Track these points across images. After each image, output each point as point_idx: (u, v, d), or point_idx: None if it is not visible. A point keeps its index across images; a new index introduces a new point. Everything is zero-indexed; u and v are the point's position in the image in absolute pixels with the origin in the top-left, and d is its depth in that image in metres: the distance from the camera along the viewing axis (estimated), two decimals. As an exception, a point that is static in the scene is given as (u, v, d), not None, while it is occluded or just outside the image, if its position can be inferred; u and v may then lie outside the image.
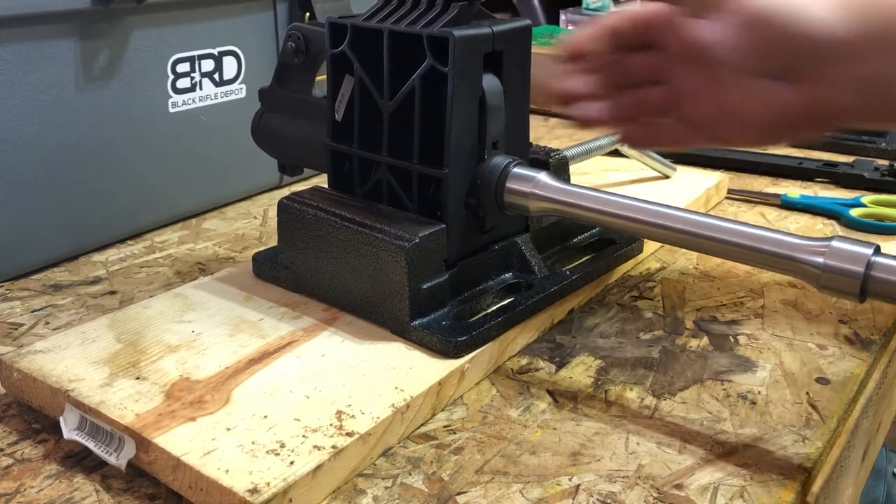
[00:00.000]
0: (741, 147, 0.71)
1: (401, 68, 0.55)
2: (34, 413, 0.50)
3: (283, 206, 0.59)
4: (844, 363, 0.56)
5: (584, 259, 0.65)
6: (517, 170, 0.56)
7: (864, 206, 0.81)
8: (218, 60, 0.79)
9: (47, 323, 0.61)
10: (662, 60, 0.57)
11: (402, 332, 0.54)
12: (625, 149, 0.81)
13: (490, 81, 0.55)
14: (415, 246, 0.52)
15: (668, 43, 0.56)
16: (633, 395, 0.52)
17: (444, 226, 0.55)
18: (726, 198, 0.87)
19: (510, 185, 0.55)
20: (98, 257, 0.73)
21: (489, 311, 0.57)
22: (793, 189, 0.89)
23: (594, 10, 1.50)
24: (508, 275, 0.60)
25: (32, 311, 0.63)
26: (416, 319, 0.53)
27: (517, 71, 0.57)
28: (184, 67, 0.76)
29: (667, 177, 0.84)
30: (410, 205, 0.57)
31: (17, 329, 0.60)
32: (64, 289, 0.67)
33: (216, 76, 0.79)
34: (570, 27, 1.48)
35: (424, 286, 0.54)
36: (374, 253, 0.54)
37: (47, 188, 0.68)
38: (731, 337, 0.59)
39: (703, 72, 0.55)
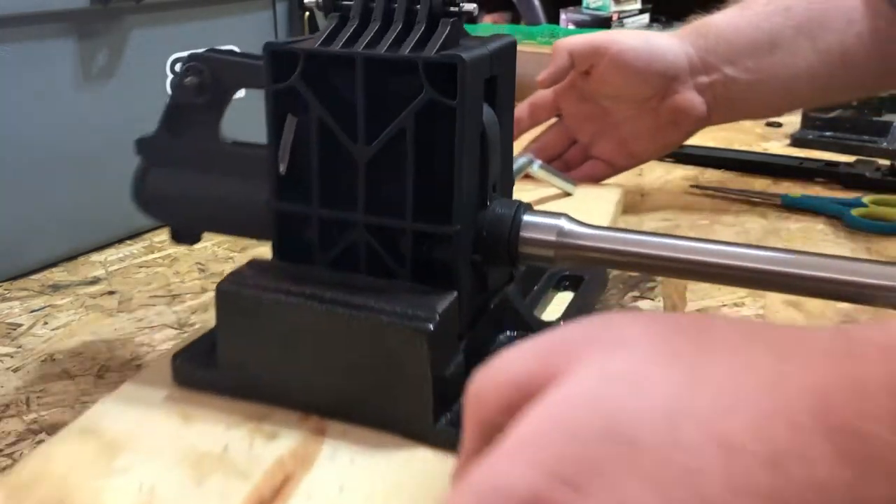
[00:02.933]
0: (648, 160, 0.89)
1: (381, 104, 0.45)
2: (33, 413, 0.50)
3: (225, 295, 0.45)
4: (846, 364, 0.55)
5: (568, 303, 0.59)
6: (530, 218, 0.47)
7: (865, 205, 0.81)
8: (217, 60, 0.79)
9: (46, 323, 0.61)
10: (568, 127, 0.86)
11: (422, 434, 0.42)
12: (533, 169, 0.79)
13: (486, 112, 0.47)
14: (437, 325, 0.42)
15: (569, 111, 0.85)
16: (633, 395, 0.51)
17: (455, 293, 0.44)
18: (727, 198, 0.86)
19: (527, 234, 0.47)
20: (97, 257, 0.73)
21: None
22: (794, 189, 0.88)
23: (594, 9, 1.50)
24: (504, 335, 0.51)
25: (31, 311, 0.63)
26: (441, 417, 0.42)
27: (507, 98, 0.49)
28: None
29: (568, 194, 0.81)
30: (401, 270, 0.46)
31: (15, 329, 0.60)
32: (63, 289, 0.67)
33: (215, 76, 0.79)
34: (570, 26, 1.48)
35: (448, 373, 0.43)
36: (377, 341, 0.42)
37: (46, 188, 0.68)
38: (732, 337, 0.59)
39: (597, 121, 0.84)
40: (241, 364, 0.46)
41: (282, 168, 0.47)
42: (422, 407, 0.42)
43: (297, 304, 0.43)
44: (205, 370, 0.47)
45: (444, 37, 0.44)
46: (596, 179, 0.86)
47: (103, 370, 0.54)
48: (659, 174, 0.95)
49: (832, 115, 1.07)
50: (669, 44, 0.79)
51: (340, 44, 0.45)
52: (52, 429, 0.47)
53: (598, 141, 0.85)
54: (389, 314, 0.42)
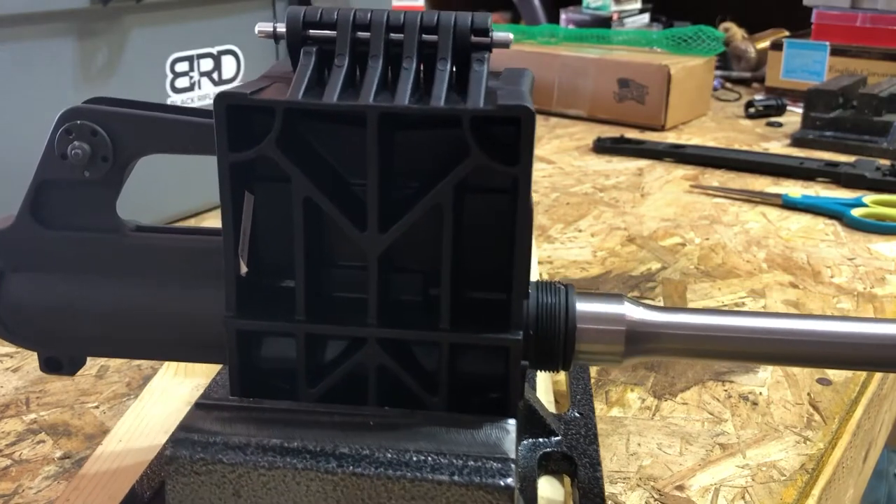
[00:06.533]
0: None
1: (397, 174, 0.34)
2: (32, 414, 0.50)
3: (179, 466, 0.30)
4: (846, 364, 0.55)
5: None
6: (584, 306, 0.36)
7: (866, 205, 0.81)
8: (217, 60, 0.79)
9: (46, 323, 0.61)
10: None
11: None
12: None
13: None
14: (516, 477, 0.30)
15: None
16: (634, 395, 0.52)
17: (513, 422, 0.33)
18: (727, 198, 0.86)
19: (587, 327, 0.36)
20: (97, 257, 0.73)
21: None
22: (794, 189, 0.88)
23: (594, 9, 1.50)
24: (524, 443, 0.41)
25: (31, 312, 0.63)
26: None
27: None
28: (182, 67, 0.76)
29: None
30: (433, 399, 0.34)
31: (15, 329, 0.60)
32: (63, 289, 0.67)
33: (215, 75, 0.79)
34: (570, 26, 1.48)
35: None
36: None
37: (46, 188, 0.68)
38: (732, 337, 0.59)
39: None
40: None
41: (243, 267, 0.34)
42: None
43: (301, 469, 0.29)
44: None
45: (484, 78, 0.32)
46: None
47: (103, 370, 0.54)
48: (659, 174, 0.95)
49: (832, 115, 1.07)
50: None
51: (336, 92, 0.31)
52: (52, 429, 0.47)
53: None
54: (444, 469, 0.29)
